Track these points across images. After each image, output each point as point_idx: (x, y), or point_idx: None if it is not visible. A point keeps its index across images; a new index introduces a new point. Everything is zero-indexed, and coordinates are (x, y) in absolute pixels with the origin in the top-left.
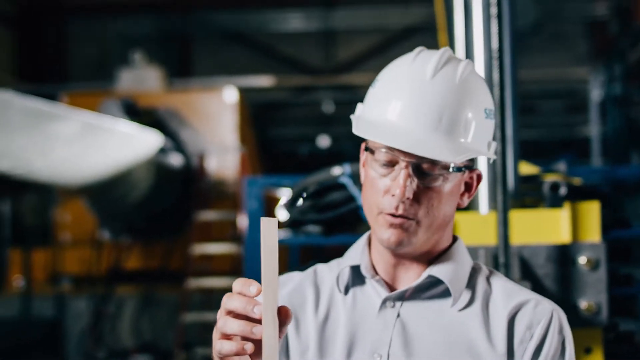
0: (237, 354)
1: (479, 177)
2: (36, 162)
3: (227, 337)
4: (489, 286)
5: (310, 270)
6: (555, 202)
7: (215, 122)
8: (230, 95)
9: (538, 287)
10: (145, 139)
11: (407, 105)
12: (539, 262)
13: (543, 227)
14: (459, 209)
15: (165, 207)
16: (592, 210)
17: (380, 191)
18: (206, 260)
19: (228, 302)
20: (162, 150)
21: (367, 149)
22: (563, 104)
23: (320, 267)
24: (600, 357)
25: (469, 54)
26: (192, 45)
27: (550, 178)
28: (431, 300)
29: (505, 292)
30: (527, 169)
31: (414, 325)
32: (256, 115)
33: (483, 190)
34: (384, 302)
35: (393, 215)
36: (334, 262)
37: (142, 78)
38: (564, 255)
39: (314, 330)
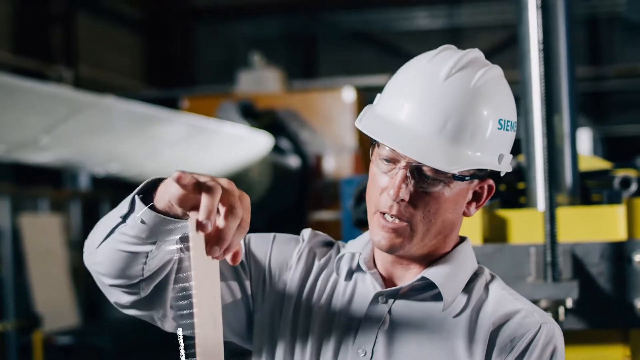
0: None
1: (491, 189)
2: (145, 164)
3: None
4: (485, 293)
5: (336, 244)
6: (614, 198)
7: (334, 122)
8: (348, 95)
9: (591, 286)
10: (255, 140)
11: (414, 105)
12: (593, 261)
13: (597, 224)
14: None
15: (283, 207)
16: None
17: (379, 188)
18: None
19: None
20: (281, 152)
21: (374, 142)
22: None
23: (340, 245)
24: None
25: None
26: (317, 46)
27: (621, 173)
28: (424, 302)
29: (498, 301)
30: (599, 163)
31: (402, 326)
32: None
33: (540, 187)
34: (376, 297)
35: (387, 215)
36: (349, 243)
37: (261, 79)
38: (619, 253)
39: (319, 311)
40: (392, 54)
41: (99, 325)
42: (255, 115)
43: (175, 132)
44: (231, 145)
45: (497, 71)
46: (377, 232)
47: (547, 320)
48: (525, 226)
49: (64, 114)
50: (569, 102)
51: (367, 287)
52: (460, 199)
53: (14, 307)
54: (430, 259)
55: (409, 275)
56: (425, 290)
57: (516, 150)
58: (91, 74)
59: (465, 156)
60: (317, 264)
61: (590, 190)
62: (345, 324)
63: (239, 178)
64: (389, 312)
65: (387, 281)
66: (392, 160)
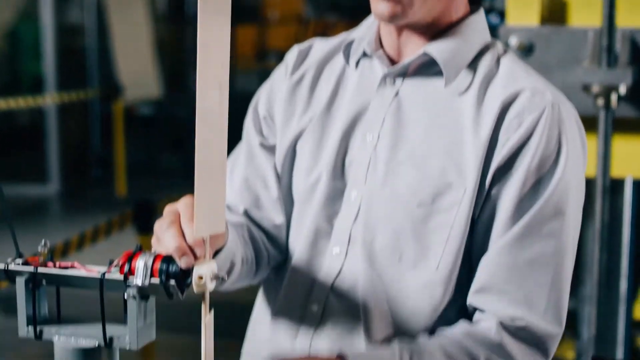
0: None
1: None
2: None
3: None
4: (496, 67)
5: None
6: None
7: None
8: None
9: None
10: None
11: None
12: None
13: None
14: None
15: None
16: None
17: None
18: None
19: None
20: None
21: None
22: None
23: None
24: None
25: None
26: None
27: None
28: (432, 79)
29: (510, 76)
30: None
31: (410, 106)
32: None
33: None
34: (384, 78)
35: None
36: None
37: None
38: None
39: (322, 105)
40: None
41: (180, 97)
42: None
43: None
44: None
45: None
46: (377, 3)
47: (560, 100)
48: (586, 8)
49: None
50: None
51: (375, 70)
52: None
53: (97, 76)
54: (436, 29)
55: (415, 50)
56: (431, 66)
57: None
58: None
59: None
60: (310, 75)
61: None
62: (353, 110)
63: None
64: (397, 94)
65: (395, 62)
66: None
